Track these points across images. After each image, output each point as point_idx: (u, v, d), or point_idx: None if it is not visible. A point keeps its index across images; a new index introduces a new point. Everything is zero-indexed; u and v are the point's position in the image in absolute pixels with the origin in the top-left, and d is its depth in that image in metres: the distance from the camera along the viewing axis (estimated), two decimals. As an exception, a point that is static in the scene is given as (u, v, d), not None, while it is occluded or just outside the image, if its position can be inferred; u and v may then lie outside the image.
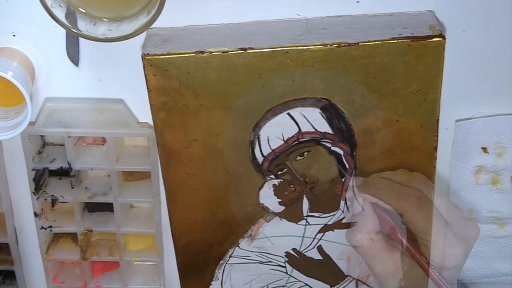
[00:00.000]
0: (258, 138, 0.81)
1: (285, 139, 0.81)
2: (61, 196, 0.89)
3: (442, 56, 0.76)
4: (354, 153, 0.82)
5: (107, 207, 0.90)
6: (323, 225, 0.86)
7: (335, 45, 0.75)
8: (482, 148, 0.86)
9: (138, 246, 0.93)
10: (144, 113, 0.83)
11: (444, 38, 0.75)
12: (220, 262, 0.89)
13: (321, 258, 0.89)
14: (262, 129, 0.80)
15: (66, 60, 0.81)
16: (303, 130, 0.80)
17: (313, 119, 0.80)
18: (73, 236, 0.92)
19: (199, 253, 0.88)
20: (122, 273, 0.93)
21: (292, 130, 0.80)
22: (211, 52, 0.76)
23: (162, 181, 0.84)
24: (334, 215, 0.86)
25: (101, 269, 0.95)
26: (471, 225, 0.78)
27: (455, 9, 0.78)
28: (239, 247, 0.88)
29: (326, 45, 0.76)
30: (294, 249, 0.88)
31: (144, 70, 0.77)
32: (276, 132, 0.80)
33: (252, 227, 0.87)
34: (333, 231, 0.87)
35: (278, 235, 0.87)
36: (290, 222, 0.86)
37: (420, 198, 0.77)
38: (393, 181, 0.80)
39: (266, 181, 0.84)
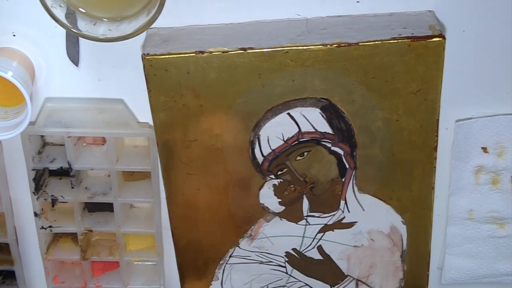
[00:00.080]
0: (258, 138, 0.81)
1: (285, 139, 0.81)
2: (61, 196, 0.89)
3: (442, 56, 0.76)
4: (354, 153, 0.82)
5: (107, 207, 0.90)
6: (323, 225, 0.86)
7: (335, 45, 0.75)
8: (482, 148, 0.86)
9: (138, 246, 0.93)
10: (144, 113, 0.83)
11: (444, 38, 0.75)
12: (220, 262, 0.89)
13: (321, 258, 0.89)
14: (262, 129, 0.80)
15: (66, 60, 0.81)
16: (303, 130, 0.80)
17: (313, 119, 0.80)
18: (73, 236, 0.92)
19: (199, 253, 0.88)
20: (122, 273, 0.93)
21: (292, 130, 0.80)
22: (211, 52, 0.76)
23: (162, 181, 0.84)
24: (334, 215, 0.86)
25: (101, 269, 0.95)
26: None
27: (455, 9, 0.78)
28: (239, 247, 0.88)
29: (326, 45, 0.76)
30: (294, 249, 0.88)
31: (144, 70, 0.77)
32: (276, 132, 0.80)
33: (252, 227, 0.87)
34: (333, 231, 0.87)
35: (278, 235, 0.87)
36: (290, 222, 0.86)
37: None
38: None
39: (266, 181, 0.84)
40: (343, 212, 0.86)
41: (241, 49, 0.76)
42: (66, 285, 0.95)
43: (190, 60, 0.76)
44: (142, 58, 0.76)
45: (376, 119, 0.80)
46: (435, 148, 0.82)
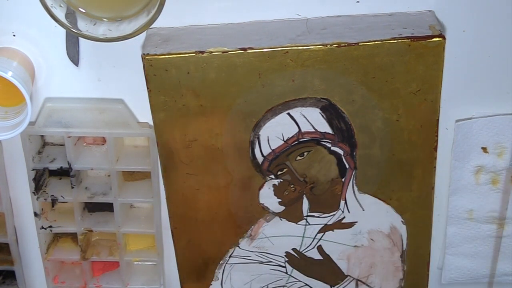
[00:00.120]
0: (258, 138, 0.81)
1: (285, 139, 0.81)
2: (61, 196, 0.89)
3: (442, 56, 0.76)
4: (354, 153, 0.82)
5: (107, 207, 0.90)
6: (323, 225, 0.86)
7: (335, 45, 0.75)
8: (482, 148, 0.86)
9: (138, 246, 0.93)
10: (144, 113, 0.83)
11: (444, 38, 0.75)
12: (220, 262, 0.89)
13: (321, 258, 0.89)
14: (262, 129, 0.80)
15: (66, 60, 0.81)
16: (303, 130, 0.80)
17: (313, 119, 0.80)
18: (73, 236, 0.92)
19: (199, 253, 0.88)
20: (122, 273, 0.93)
21: (292, 130, 0.80)
22: (211, 52, 0.76)
23: (162, 181, 0.84)
24: (334, 215, 0.86)
25: (101, 269, 0.95)
26: None
27: (455, 9, 0.78)
28: (239, 247, 0.88)
29: (326, 45, 0.76)
30: (294, 249, 0.88)
31: (144, 70, 0.77)
32: (276, 132, 0.80)
33: (252, 227, 0.87)
34: (333, 231, 0.87)
35: (278, 235, 0.87)
36: (290, 222, 0.86)
37: None
38: None
39: (266, 181, 0.84)
40: (343, 212, 0.86)
41: (241, 49, 0.76)
42: (66, 285, 0.95)
43: (190, 60, 0.76)
44: (142, 58, 0.76)
45: (376, 119, 0.80)
46: (435, 148, 0.82)
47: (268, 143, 0.81)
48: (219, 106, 0.79)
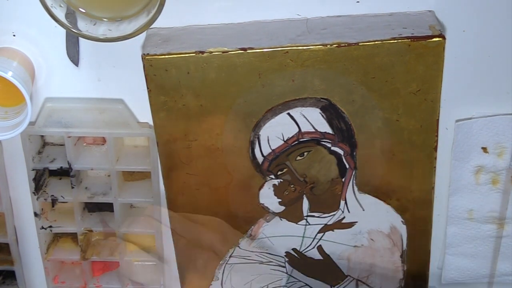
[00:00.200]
0: (258, 138, 0.81)
1: (285, 139, 0.81)
2: (61, 196, 0.89)
3: (442, 56, 0.76)
4: (354, 153, 0.82)
5: (107, 207, 0.90)
6: (323, 225, 0.86)
7: (335, 45, 0.75)
8: (482, 148, 0.86)
9: (138, 246, 0.93)
10: (144, 113, 0.83)
11: (444, 38, 0.75)
12: (220, 262, 0.89)
13: (321, 258, 0.89)
14: (262, 129, 0.80)
15: (66, 60, 0.81)
16: (303, 130, 0.80)
17: (313, 119, 0.80)
18: (73, 236, 0.92)
19: (199, 253, 0.88)
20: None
21: (292, 130, 0.80)
22: (211, 52, 0.76)
23: (162, 181, 0.84)
24: (334, 215, 0.86)
25: (101, 269, 0.95)
26: None
27: (455, 9, 0.78)
28: (239, 247, 0.88)
29: (326, 45, 0.76)
30: (294, 249, 0.88)
31: (144, 70, 0.77)
32: (276, 132, 0.80)
33: (252, 227, 0.87)
34: (333, 231, 0.87)
35: (278, 235, 0.87)
36: (290, 222, 0.86)
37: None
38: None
39: (266, 181, 0.84)
40: (343, 212, 0.86)
41: (241, 49, 0.76)
42: (66, 285, 0.95)
43: (190, 60, 0.76)
44: (142, 58, 0.76)
45: (376, 119, 0.80)
46: (435, 148, 0.82)
47: (268, 143, 0.81)
48: (219, 106, 0.79)
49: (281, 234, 0.87)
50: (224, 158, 0.82)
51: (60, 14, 0.69)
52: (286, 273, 0.90)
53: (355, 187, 0.84)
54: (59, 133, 0.85)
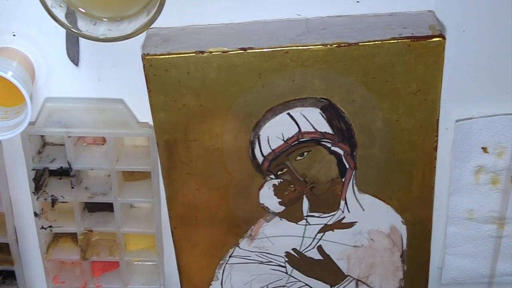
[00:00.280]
0: (258, 138, 0.81)
1: (285, 139, 0.81)
2: (61, 196, 0.89)
3: (442, 56, 0.76)
4: (354, 153, 0.82)
5: (107, 207, 0.90)
6: (323, 225, 0.86)
7: (335, 45, 0.75)
8: (482, 148, 0.86)
9: (138, 246, 0.93)
10: (144, 113, 0.83)
11: (444, 38, 0.75)
12: (220, 262, 0.89)
13: (321, 258, 0.89)
14: (262, 129, 0.80)
15: (66, 60, 0.81)
16: (303, 130, 0.80)
17: (313, 119, 0.80)
18: (73, 236, 0.92)
19: (199, 253, 0.88)
20: (122, 273, 0.93)
21: (292, 130, 0.80)
22: (211, 52, 0.76)
23: (162, 181, 0.84)
24: (334, 215, 0.86)
25: (101, 269, 0.95)
26: None
27: (455, 9, 0.78)
28: (239, 247, 0.88)
29: (326, 45, 0.76)
30: (294, 249, 0.88)
31: (144, 70, 0.77)
32: (276, 132, 0.80)
33: (252, 227, 0.87)
34: (333, 231, 0.87)
35: (278, 235, 0.87)
36: (290, 222, 0.86)
37: None
38: None
39: (266, 181, 0.84)
40: (343, 212, 0.86)
41: (241, 49, 0.76)
42: (66, 285, 0.95)
43: (190, 60, 0.76)
44: (142, 58, 0.76)
45: (376, 119, 0.80)
46: (435, 148, 0.82)
47: (268, 143, 0.81)
48: (219, 106, 0.79)
49: (281, 234, 0.87)
50: (224, 158, 0.82)
51: (60, 14, 0.69)
52: (286, 273, 0.90)
53: (355, 187, 0.84)
54: (59, 133, 0.85)
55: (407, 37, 0.75)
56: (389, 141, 0.81)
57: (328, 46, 0.75)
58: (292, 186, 0.84)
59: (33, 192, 0.88)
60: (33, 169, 0.87)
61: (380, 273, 0.90)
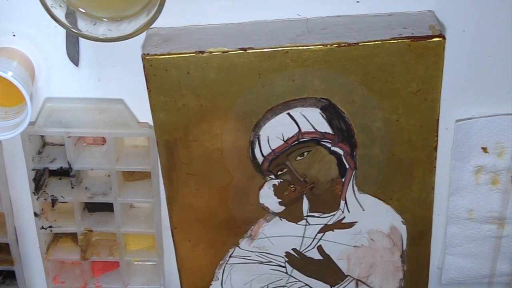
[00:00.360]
0: (258, 138, 0.81)
1: (285, 139, 0.81)
2: (61, 196, 0.89)
3: (442, 56, 0.76)
4: (354, 153, 0.82)
5: (107, 207, 0.90)
6: (323, 225, 0.86)
7: (335, 45, 0.75)
8: (482, 148, 0.86)
9: (138, 246, 0.93)
10: (144, 113, 0.83)
11: (444, 38, 0.75)
12: (220, 262, 0.89)
13: (321, 258, 0.89)
14: (262, 129, 0.80)
15: (66, 60, 0.81)
16: (303, 130, 0.80)
17: (313, 119, 0.80)
18: (73, 236, 0.92)
19: (199, 253, 0.88)
20: (122, 273, 0.93)
21: (292, 130, 0.80)
22: (211, 52, 0.76)
23: (162, 181, 0.84)
24: (334, 215, 0.86)
25: (101, 269, 0.95)
26: None
27: (455, 9, 0.78)
28: (239, 247, 0.88)
29: (326, 45, 0.76)
30: (294, 249, 0.88)
31: (144, 70, 0.77)
32: (276, 132, 0.80)
33: (252, 227, 0.87)
34: (333, 231, 0.87)
35: (278, 235, 0.87)
36: (290, 222, 0.86)
37: None
38: None
39: (266, 181, 0.84)
40: (343, 212, 0.86)
41: (241, 49, 0.76)
42: (66, 285, 0.95)
43: (190, 60, 0.76)
44: (142, 58, 0.76)
45: (376, 119, 0.80)
46: (435, 148, 0.82)
47: (268, 143, 0.81)
48: (219, 106, 0.79)
49: (281, 234, 0.87)
50: (224, 158, 0.82)
51: (60, 14, 0.69)
52: (286, 273, 0.90)
53: (355, 187, 0.84)
54: (59, 133, 0.85)
55: (407, 37, 0.75)
56: (389, 141, 0.81)
57: (328, 46, 0.75)
58: (292, 186, 0.84)
59: (33, 192, 0.88)
60: (33, 169, 0.87)
61: (380, 273, 0.90)
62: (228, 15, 0.78)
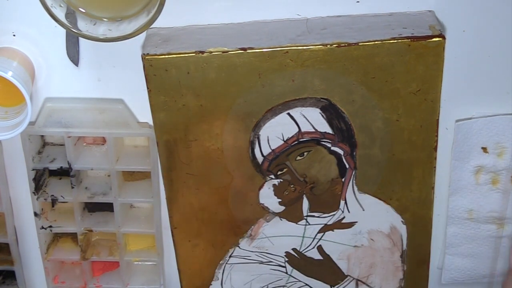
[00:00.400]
0: (258, 138, 0.81)
1: (285, 139, 0.81)
2: (61, 196, 0.89)
3: (442, 56, 0.76)
4: (354, 153, 0.82)
5: (107, 207, 0.90)
6: (323, 225, 0.86)
7: (335, 45, 0.75)
8: (482, 148, 0.86)
9: (138, 246, 0.93)
10: (144, 113, 0.83)
11: (444, 38, 0.75)
12: (220, 262, 0.89)
13: (321, 258, 0.89)
14: (262, 129, 0.80)
15: (66, 60, 0.81)
16: (303, 130, 0.80)
17: (313, 119, 0.80)
18: (73, 236, 0.92)
19: (199, 253, 0.88)
20: (122, 273, 0.93)
21: (292, 130, 0.80)
22: (211, 52, 0.76)
23: (162, 181, 0.84)
24: (334, 215, 0.86)
25: (101, 269, 0.95)
26: None
27: (455, 9, 0.78)
28: (239, 247, 0.88)
29: (326, 45, 0.76)
30: (294, 249, 0.88)
31: (144, 70, 0.77)
32: (276, 132, 0.80)
33: (252, 227, 0.87)
34: (333, 231, 0.87)
35: (278, 235, 0.87)
36: (290, 222, 0.86)
37: None
38: None
39: (266, 181, 0.84)
40: (343, 212, 0.86)
41: (241, 49, 0.76)
42: (66, 285, 0.95)
43: (190, 60, 0.76)
44: (142, 58, 0.76)
45: (376, 119, 0.80)
46: (435, 148, 0.82)
47: (268, 143, 0.81)
48: (219, 106, 0.79)
49: (281, 234, 0.87)
50: (224, 158, 0.82)
51: (60, 14, 0.69)
52: (286, 273, 0.90)
53: (355, 187, 0.84)
54: (59, 133, 0.85)
55: (407, 37, 0.75)
56: (389, 141, 0.81)
57: (328, 46, 0.75)
58: (292, 186, 0.84)
59: (33, 192, 0.88)
60: (33, 169, 0.87)
61: (380, 273, 0.90)
62: (228, 15, 0.78)
